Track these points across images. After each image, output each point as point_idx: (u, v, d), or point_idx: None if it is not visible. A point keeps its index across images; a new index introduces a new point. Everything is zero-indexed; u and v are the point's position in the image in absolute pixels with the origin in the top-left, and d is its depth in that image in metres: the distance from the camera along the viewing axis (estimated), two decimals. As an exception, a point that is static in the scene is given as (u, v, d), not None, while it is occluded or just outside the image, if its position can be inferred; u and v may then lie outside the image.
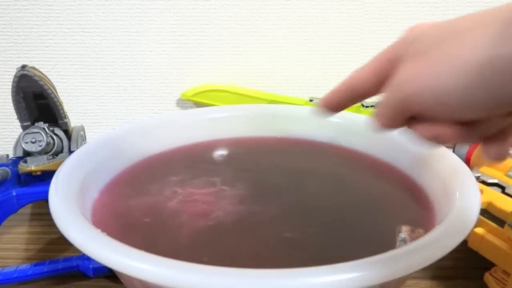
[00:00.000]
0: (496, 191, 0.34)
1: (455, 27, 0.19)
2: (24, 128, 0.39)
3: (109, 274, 0.35)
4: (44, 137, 0.38)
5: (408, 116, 0.21)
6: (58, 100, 0.39)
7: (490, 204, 0.33)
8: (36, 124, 0.39)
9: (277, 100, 0.55)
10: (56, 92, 0.39)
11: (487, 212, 0.33)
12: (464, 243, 0.31)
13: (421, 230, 0.28)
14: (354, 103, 0.24)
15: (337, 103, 0.25)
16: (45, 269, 0.35)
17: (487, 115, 0.19)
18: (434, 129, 0.20)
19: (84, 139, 0.44)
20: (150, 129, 0.40)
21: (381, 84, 0.22)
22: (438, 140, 0.21)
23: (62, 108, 0.40)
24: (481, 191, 0.31)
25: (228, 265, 0.21)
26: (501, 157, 0.21)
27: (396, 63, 0.21)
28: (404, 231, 0.28)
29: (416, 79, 0.19)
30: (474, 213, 0.26)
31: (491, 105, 0.18)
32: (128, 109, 0.59)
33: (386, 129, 0.22)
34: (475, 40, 0.18)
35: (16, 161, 0.39)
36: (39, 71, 0.38)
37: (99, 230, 0.24)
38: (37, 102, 0.39)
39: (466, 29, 0.19)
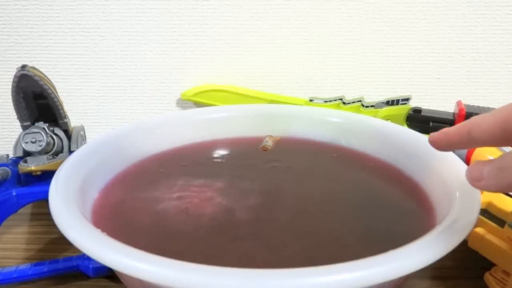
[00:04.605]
0: (496, 191, 0.34)
1: None
2: (24, 128, 0.39)
3: (109, 274, 0.35)
4: (44, 137, 0.38)
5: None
6: (58, 100, 0.39)
7: (490, 204, 0.33)
8: (36, 124, 0.39)
9: (277, 100, 0.55)
10: (56, 92, 0.39)
11: (487, 212, 0.33)
12: (464, 243, 0.31)
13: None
14: (466, 148, 0.23)
15: (446, 144, 0.24)
16: (45, 269, 0.35)
17: None
18: None
19: (84, 139, 0.44)
20: (150, 129, 0.40)
21: (505, 141, 0.21)
22: None
23: (62, 108, 0.40)
24: (481, 191, 0.31)
25: (230, 264, 0.21)
26: None
27: None
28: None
29: None
30: (474, 213, 0.26)
31: None
32: (128, 109, 0.59)
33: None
34: None
35: (16, 161, 0.39)
36: (39, 71, 0.38)
37: (99, 230, 0.24)
38: (37, 102, 0.39)
39: None
